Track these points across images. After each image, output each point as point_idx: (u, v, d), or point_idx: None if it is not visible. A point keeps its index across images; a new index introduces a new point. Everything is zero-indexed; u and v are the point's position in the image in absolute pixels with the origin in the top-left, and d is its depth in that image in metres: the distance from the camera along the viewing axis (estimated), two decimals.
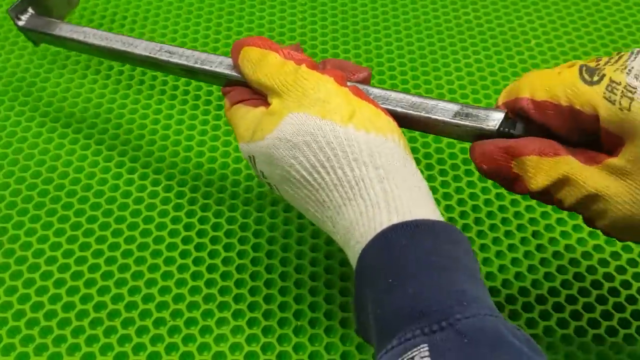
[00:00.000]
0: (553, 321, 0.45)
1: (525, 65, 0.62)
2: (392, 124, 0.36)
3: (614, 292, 0.47)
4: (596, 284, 0.47)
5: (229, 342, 0.44)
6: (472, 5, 0.69)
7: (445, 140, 0.56)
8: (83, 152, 0.55)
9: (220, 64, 0.42)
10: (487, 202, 0.52)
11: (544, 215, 0.51)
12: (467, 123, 0.36)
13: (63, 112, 0.58)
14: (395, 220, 0.32)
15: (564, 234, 0.50)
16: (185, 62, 0.43)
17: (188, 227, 0.50)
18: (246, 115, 0.38)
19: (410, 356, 0.27)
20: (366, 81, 0.40)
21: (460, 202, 0.52)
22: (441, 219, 0.33)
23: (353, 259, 0.34)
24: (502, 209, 0.51)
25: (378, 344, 0.30)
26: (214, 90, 0.60)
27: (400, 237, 0.31)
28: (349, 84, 0.38)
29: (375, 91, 0.39)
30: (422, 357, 0.27)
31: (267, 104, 0.38)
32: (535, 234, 0.50)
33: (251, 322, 0.45)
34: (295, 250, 0.49)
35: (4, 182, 0.52)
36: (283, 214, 0.51)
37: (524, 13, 0.68)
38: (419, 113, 0.37)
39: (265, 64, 0.37)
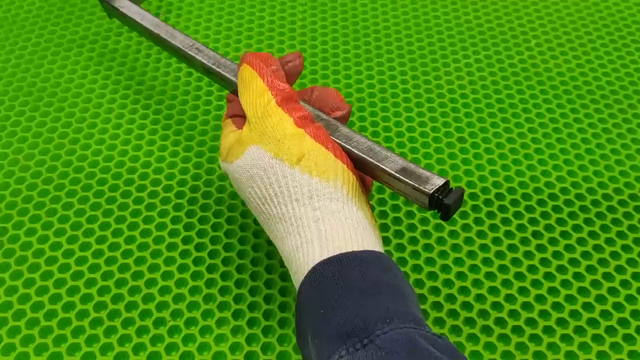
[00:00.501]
0: (552, 320, 0.45)
1: (525, 65, 0.62)
2: (340, 168, 0.38)
3: (613, 291, 0.47)
4: (596, 283, 0.47)
5: (229, 342, 0.44)
6: (472, 5, 0.69)
7: (444, 141, 0.56)
8: (83, 151, 0.55)
9: (231, 71, 0.45)
10: (487, 202, 0.52)
11: (544, 215, 0.51)
12: (407, 180, 0.38)
13: (63, 112, 0.58)
14: (326, 255, 0.35)
15: (563, 234, 0.50)
16: (206, 62, 0.46)
17: (188, 227, 0.50)
18: (228, 135, 0.42)
19: None
20: (343, 119, 0.42)
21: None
22: (374, 247, 0.36)
23: (297, 285, 0.37)
24: (502, 209, 0.51)
25: None
26: (214, 90, 0.60)
27: (330, 269, 0.34)
28: (323, 117, 0.41)
29: (343, 130, 0.41)
30: None
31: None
32: (535, 234, 0.50)
33: (251, 322, 0.45)
34: None
35: (4, 182, 0.52)
36: None
37: (523, 13, 0.68)
38: (371, 159, 0.39)
39: (248, 89, 0.40)
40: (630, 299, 0.47)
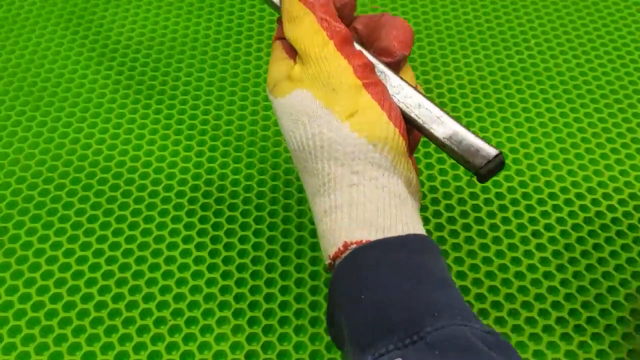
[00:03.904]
0: (552, 319, 0.45)
1: (525, 65, 0.62)
2: (391, 132, 0.35)
3: (612, 290, 0.47)
4: (595, 282, 0.47)
5: (229, 341, 0.44)
6: (472, 5, 0.69)
7: None
8: (84, 151, 0.55)
9: None
10: (487, 202, 0.52)
11: (544, 214, 0.51)
12: (456, 150, 0.36)
13: (64, 112, 0.58)
14: (355, 228, 0.33)
15: (563, 233, 0.50)
16: None
17: (188, 226, 0.50)
18: (276, 62, 0.38)
19: None
20: (396, 65, 0.38)
21: (460, 201, 0.52)
22: (414, 226, 0.34)
23: (324, 253, 0.35)
24: (502, 208, 0.52)
25: (352, 357, 0.31)
26: (214, 90, 0.60)
27: (373, 253, 0.32)
28: (382, 68, 0.37)
29: (392, 79, 0.37)
30: None
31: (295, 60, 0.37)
32: (535, 234, 0.50)
33: (252, 321, 0.45)
34: (295, 249, 0.49)
35: (5, 181, 0.52)
36: (282, 213, 0.51)
37: (523, 13, 0.68)
38: (419, 119, 0.36)
39: (298, 25, 0.36)
40: (629, 297, 0.47)
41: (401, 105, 0.37)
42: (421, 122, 0.36)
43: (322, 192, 0.34)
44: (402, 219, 0.33)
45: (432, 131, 0.36)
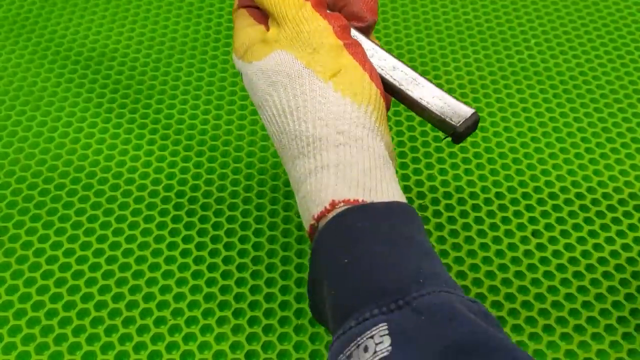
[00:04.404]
0: (552, 319, 0.45)
1: (525, 65, 0.63)
2: (374, 92, 0.34)
3: (612, 290, 0.47)
4: (595, 282, 0.47)
5: (229, 341, 0.44)
6: (472, 5, 0.69)
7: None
8: (84, 151, 0.55)
9: None
10: (487, 201, 0.52)
11: (544, 213, 0.51)
12: (433, 110, 0.36)
13: (64, 111, 0.58)
14: (342, 188, 0.32)
15: (563, 233, 0.50)
16: None
17: (188, 226, 0.50)
18: (245, 30, 0.38)
19: (370, 335, 0.27)
20: (366, 31, 0.38)
21: (460, 201, 0.52)
22: (397, 192, 0.33)
23: (305, 223, 0.34)
24: (501, 207, 0.52)
25: (333, 324, 0.30)
26: (214, 89, 0.60)
27: (357, 217, 0.31)
28: (354, 33, 0.37)
29: (365, 43, 0.37)
30: (381, 336, 0.27)
31: (267, 24, 0.37)
32: (535, 233, 0.50)
33: (252, 321, 0.45)
34: (295, 248, 0.49)
35: (5, 181, 0.52)
36: (283, 213, 0.51)
37: (523, 13, 0.68)
38: (395, 81, 0.36)
39: None
40: (629, 297, 0.47)
41: (379, 69, 0.36)
42: (397, 84, 0.36)
43: (305, 153, 0.33)
44: (387, 181, 0.33)
45: (409, 92, 0.36)
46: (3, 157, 0.54)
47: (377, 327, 0.27)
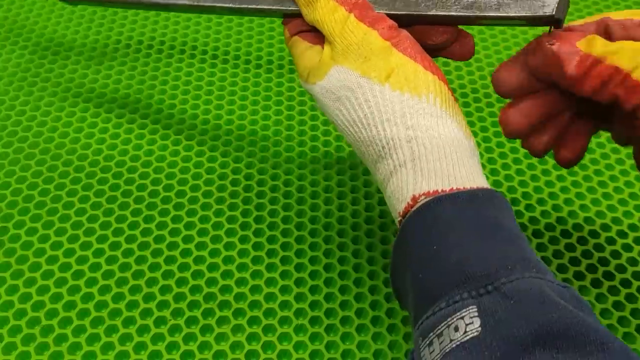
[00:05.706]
0: None
1: None
2: (431, 80, 0.36)
3: (613, 290, 0.47)
4: (596, 282, 0.47)
5: (229, 341, 0.44)
6: None
7: None
8: (84, 151, 0.55)
9: (269, 1, 0.41)
10: None
11: (544, 213, 0.51)
12: (514, 15, 0.36)
13: (64, 111, 0.58)
14: (421, 181, 0.33)
15: (564, 233, 0.50)
16: (230, 5, 0.42)
17: (188, 226, 0.50)
18: (304, 53, 0.40)
19: (460, 316, 0.28)
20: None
21: None
22: (477, 175, 0.34)
23: (394, 213, 0.35)
24: None
25: (418, 308, 0.31)
26: (214, 89, 0.60)
27: (442, 207, 0.32)
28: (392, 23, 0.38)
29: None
30: (471, 317, 0.28)
31: (322, 44, 0.39)
32: (535, 233, 0.50)
33: (252, 321, 0.45)
34: (295, 248, 0.49)
35: (5, 181, 0.52)
36: (282, 213, 0.51)
37: None
38: (449, 13, 0.37)
39: (317, 7, 0.38)
40: (630, 297, 0.47)
41: (452, 11, 0.37)
42: (469, 14, 0.37)
43: (383, 156, 0.35)
44: (465, 163, 0.34)
45: (501, 13, 0.36)
46: (3, 157, 0.54)
47: (467, 309, 0.28)
